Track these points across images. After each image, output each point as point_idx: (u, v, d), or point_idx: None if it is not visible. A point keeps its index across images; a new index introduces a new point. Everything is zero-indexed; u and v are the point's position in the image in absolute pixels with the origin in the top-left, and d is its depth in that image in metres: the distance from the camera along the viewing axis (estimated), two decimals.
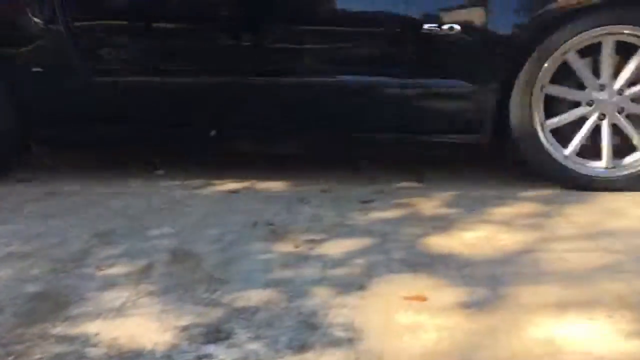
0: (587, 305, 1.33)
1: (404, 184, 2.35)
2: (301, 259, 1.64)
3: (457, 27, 2.00)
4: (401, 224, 1.91)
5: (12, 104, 2.27)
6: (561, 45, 2.01)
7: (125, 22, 2.30)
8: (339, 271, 1.57)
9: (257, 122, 2.30)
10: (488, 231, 1.81)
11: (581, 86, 2.11)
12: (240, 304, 1.38)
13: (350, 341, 1.21)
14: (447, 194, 2.20)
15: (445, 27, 2.01)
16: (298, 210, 2.06)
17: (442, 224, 1.89)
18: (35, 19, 2.18)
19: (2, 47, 2.25)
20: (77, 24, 2.19)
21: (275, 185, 2.34)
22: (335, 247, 1.73)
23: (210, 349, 1.19)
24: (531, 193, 2.18)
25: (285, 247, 1.74)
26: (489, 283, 1.46)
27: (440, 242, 1.74)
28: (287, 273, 1.55)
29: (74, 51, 2.20)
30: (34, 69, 2.21)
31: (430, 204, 2.10)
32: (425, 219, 1.95)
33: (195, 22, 2.24)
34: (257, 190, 2.30)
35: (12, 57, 2.25)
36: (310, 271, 1.56)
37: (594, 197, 2.10)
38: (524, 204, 2.06)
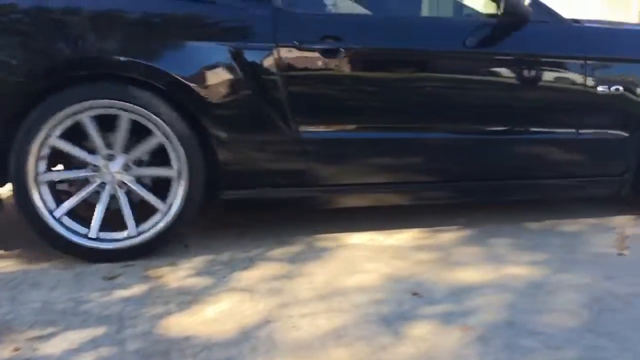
0: None
1: (161, 250, 2.26)
2: None
3: (621, 88, 2.43)
4: (143, 302, 1.82)
5: None
6: None
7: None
8: None
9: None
10: (232, 302, 1.81)
11: None
12: None
13: None
14: (199, 260, 2.17)
15: (613, 88, 2.40)
16: (25, 298, 1.84)
17: (187, 299, 1.84)
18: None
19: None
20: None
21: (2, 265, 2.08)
22: (63, 343, 1.57)
23: None
24: (278, 250, 2.26)
25: (1, 352, 1.52)
26: None
27: (181, 322, 1.69)
28: None
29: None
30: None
31: (179, 274, 2.04)
32: (170, 293, 1.88)
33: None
34: None
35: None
36: None
37: (335, 252, 2.25)
38: (270, 265, 2.12)
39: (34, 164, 2.02)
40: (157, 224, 2.15)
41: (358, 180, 2.35)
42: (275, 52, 2.13)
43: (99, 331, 1.64)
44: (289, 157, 2.24)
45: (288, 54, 2.14)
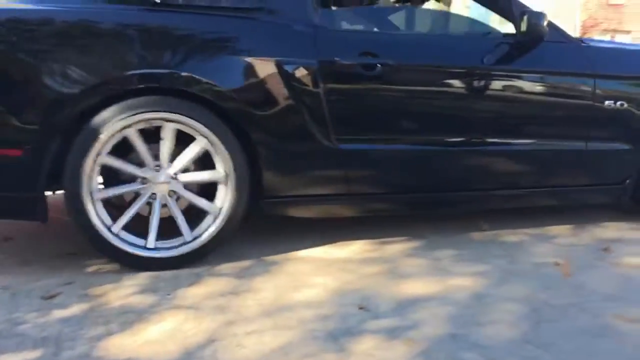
0: None
1: (103, 266, 2.20)
2: None
3: (625, 103, 2.62)
4: (83, 322, 1.76)
5: None
6: None
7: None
8: None
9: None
10: (176, 321, 1.78)
11: None
12: None
13: None
14: (143, 276, 2.12)
15: (618, 103, 2.57)
16: None
17: (129, 318, 1.79)
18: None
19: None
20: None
21: None
22: None
23: None
24: (226, 265, 2.24)
25: None
26: None
27: (122, 343, 1.64)
28: None
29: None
30: None
31: (122, 292, 1.99)
32: (111, 313, 1.83)
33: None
34: None
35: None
36: None
37: (284, 266, 2.24)
38: (217, 281, 2.09)
39: (88, 183, 2.07)
40: (209, 227, 2.21)
41: (390, 189, 2.46)
42: (316, 66, 2.23)
43: (35, 354, 1.57)
44: (326, 167, 2.33)
45: (328, 68, 2.25)
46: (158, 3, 2.18)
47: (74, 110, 2.03)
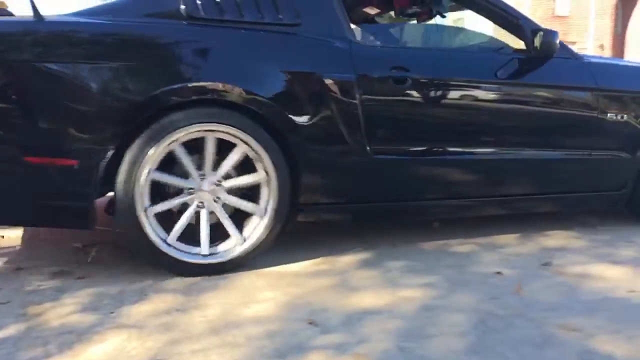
0: None
1: (43, 283, 2.11)
2: None
3: (625, 116, 2.84)
4: (20, 344, 1.68)
5: None
6: None
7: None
8: None
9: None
10: (118, 341, 1.71)
11: None
12: None
13: None
14: (85, 293, 2.05)
15: (619, 116, 2.82)
16: None
17: (69, 338, 1.72)
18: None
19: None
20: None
21: None
22: None
23: None
24: (173, 281, 2.18)
25: None
26: None
27: None
28: None
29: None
30: None
31: (62, 311, 1.91)
32: (50, 333, 1.75)
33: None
34: None
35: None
36: None
37: (233, 281, 2.20)
38: (163, 297, 2.04)
39: (141, 199, 2.12)
40: (257, 227, 2.30)
41: (420, 196, 2.62)
42: (352, 80, 2.36)
43: None
44: (361, 175, 2.45)
45: (364, 82, 2.38)
46: (205, 18, 2.26)
47: (126, 123, 2.08)
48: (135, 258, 2.35)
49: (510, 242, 2.76)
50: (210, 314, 1.91)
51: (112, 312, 1.91)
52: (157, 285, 2.13)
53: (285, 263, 2.40)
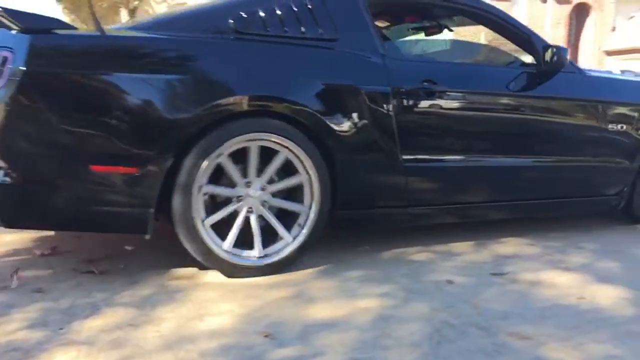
0: None
1: None
2: None
3: (625, 126, 3.11)
4: None
5: None
6: None
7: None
8: None
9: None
10: (68, 358, 1.66)
11: None
12: None
13: None
14: (34, 308, 1.98)
15: (619, 126, 3.06)
16: None
17: (15, 356, 1.66)
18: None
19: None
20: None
21: None
22: None
23: None
24: (127, 293, 2.14)
25: None
26: None
27: None
28: None
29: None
30: None
31: (8, 327, 1.84)
32: None
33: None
34: None
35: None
36: None
37: (189, 293, 2.17)
38: (116, 311, 1.99)
39: (198, 210, 2.22)
40: (304, 226, 2.43)
41: (448, 201, 2.78)
42: (386, 91, 2.52)
43: None
44: (394, 181, 2.60)
45: (396, 93, 2.54)
46: (249, 33, 2.37)
47: (182, 134, 2.15)
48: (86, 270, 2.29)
49: (465, 250, 2.81)
50: (164, 329, 1.87)
51: (61, 329, 1.85)
52: (109, 299, 2.08)
53: None
